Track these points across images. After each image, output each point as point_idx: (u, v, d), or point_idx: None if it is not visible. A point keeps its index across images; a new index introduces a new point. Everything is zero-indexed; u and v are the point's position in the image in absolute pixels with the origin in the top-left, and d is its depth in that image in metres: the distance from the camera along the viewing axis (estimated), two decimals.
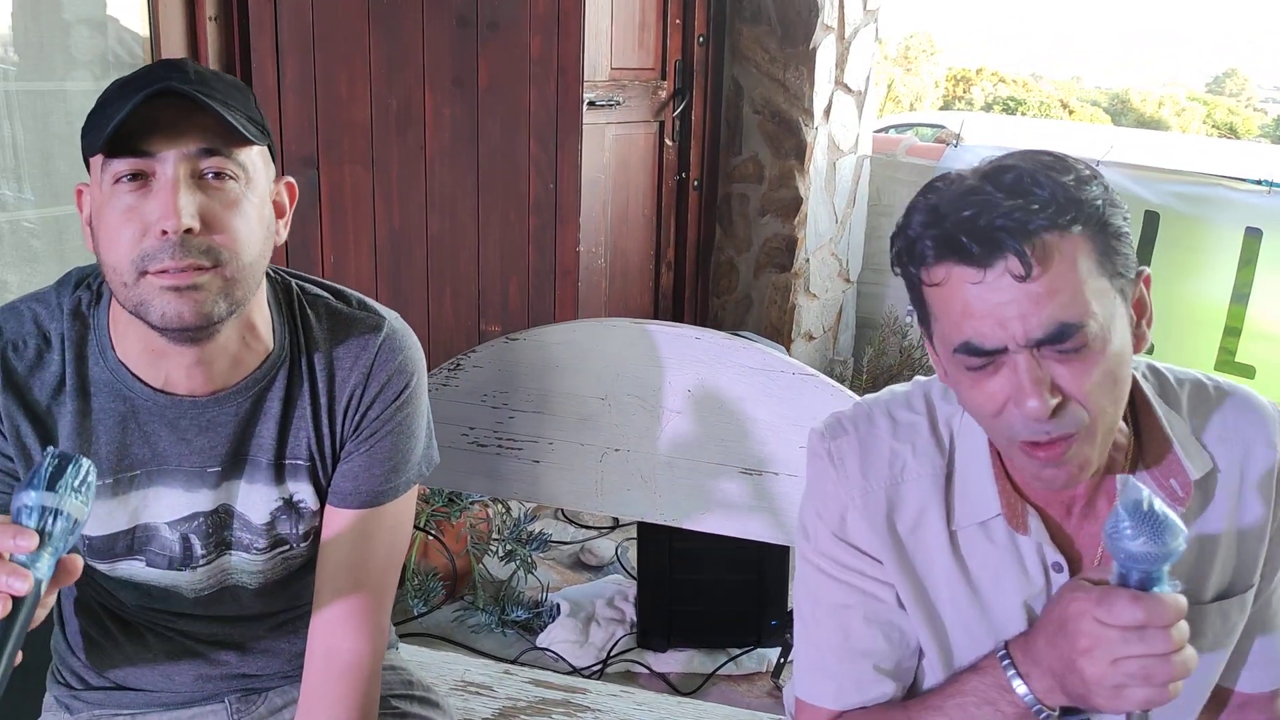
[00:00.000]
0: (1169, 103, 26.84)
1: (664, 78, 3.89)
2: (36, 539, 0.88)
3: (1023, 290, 0.92)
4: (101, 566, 1.24)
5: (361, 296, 1.30)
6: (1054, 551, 1.07)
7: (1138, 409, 1.08)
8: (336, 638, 1.24)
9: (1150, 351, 3.61)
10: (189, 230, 1.05)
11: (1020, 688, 1.00)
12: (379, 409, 1.24)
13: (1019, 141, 5.31)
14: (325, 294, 1.28)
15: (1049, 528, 1.08)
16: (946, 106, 23.08)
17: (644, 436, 1.74)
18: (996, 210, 0.92)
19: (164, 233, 1.04)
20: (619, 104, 3.66)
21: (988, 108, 23.17)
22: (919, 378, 1.18)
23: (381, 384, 1.24)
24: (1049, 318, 0.92)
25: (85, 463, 0.91)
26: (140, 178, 1.06)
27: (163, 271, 1.05)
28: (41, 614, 0.92)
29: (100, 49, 2.47)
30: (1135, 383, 1.08)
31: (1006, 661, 1.02)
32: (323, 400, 1.23)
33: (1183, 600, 0.90)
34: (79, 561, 0.93)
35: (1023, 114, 21.04)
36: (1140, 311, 1.01)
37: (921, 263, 0.97)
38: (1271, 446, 1.09)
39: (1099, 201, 0.95)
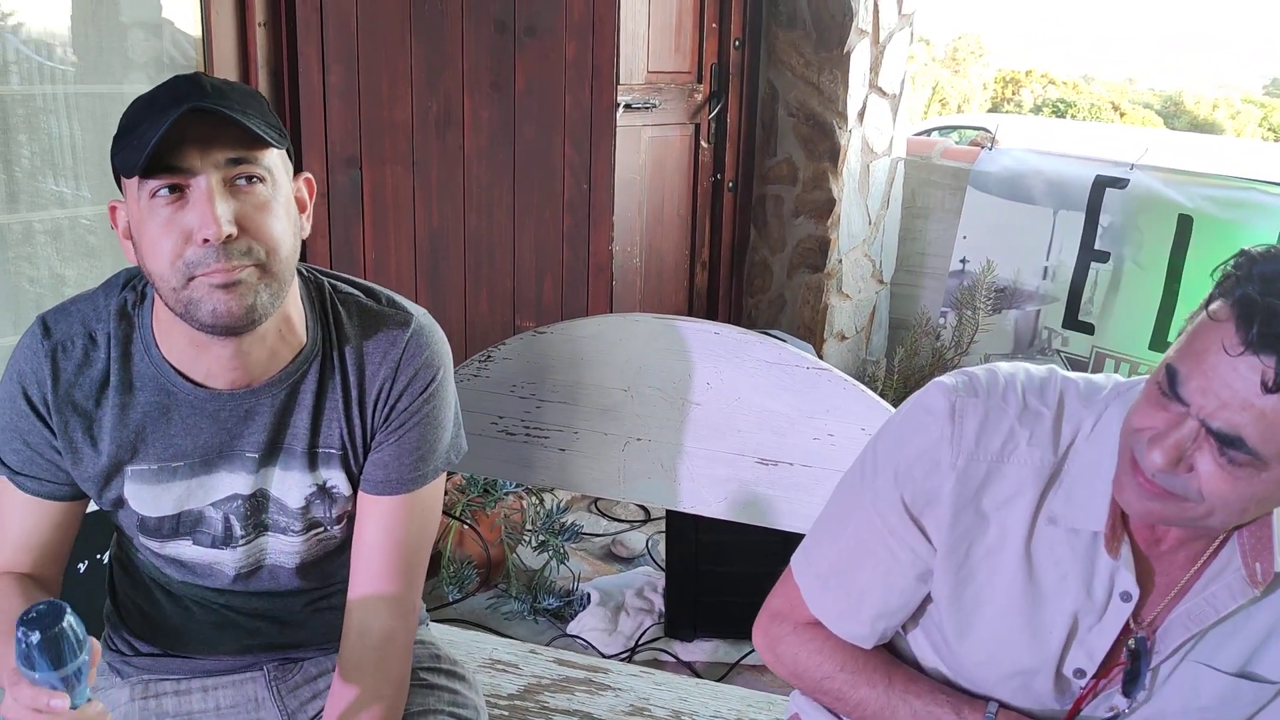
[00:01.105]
0: (1223, 105, 26.39)
1: (700, 81, 3.95)
2: (68, 698, 0.96)
3: (1252, 392, 0.91)
4: (152, 544, 1.33)
5: (390, 294, 1.36)
6: (1131, 581, 1.09)
7: None
8: (370, 616, 1.31)
9: None
10: (229, 236, 1.12)
11: None
12: (407, 401, 1.30)
13: (1064, 145, 5.27)
14: (356, 292, 1.35)
15: (1134, 556, 1.10)
16: (995, 108, 22.88)
17: (665, 427, 1.80)
18: None
19: (205, 240, 1.12)
20: (655, 106, 3.72)
21: (1037, 110, 22.93)
22: (1055, 368, 1.18)
23: (409, 378, 1.30)
24: (1238, 426, 0.92)
25: (67, 618, 0.94)
26: (176, 190, 1.12)
27: (210, 273, 1.13)
28: None
29: (156, 51, 2.55)
30: None
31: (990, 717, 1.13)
32: (354, 393, 1.30)
33: None
34: (97, 646, 1.00)
35: (1073, 116, 20.80)
36: None
37: (1223, 293, 0.95)
38: None
39: None
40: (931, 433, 1.13)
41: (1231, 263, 0.97)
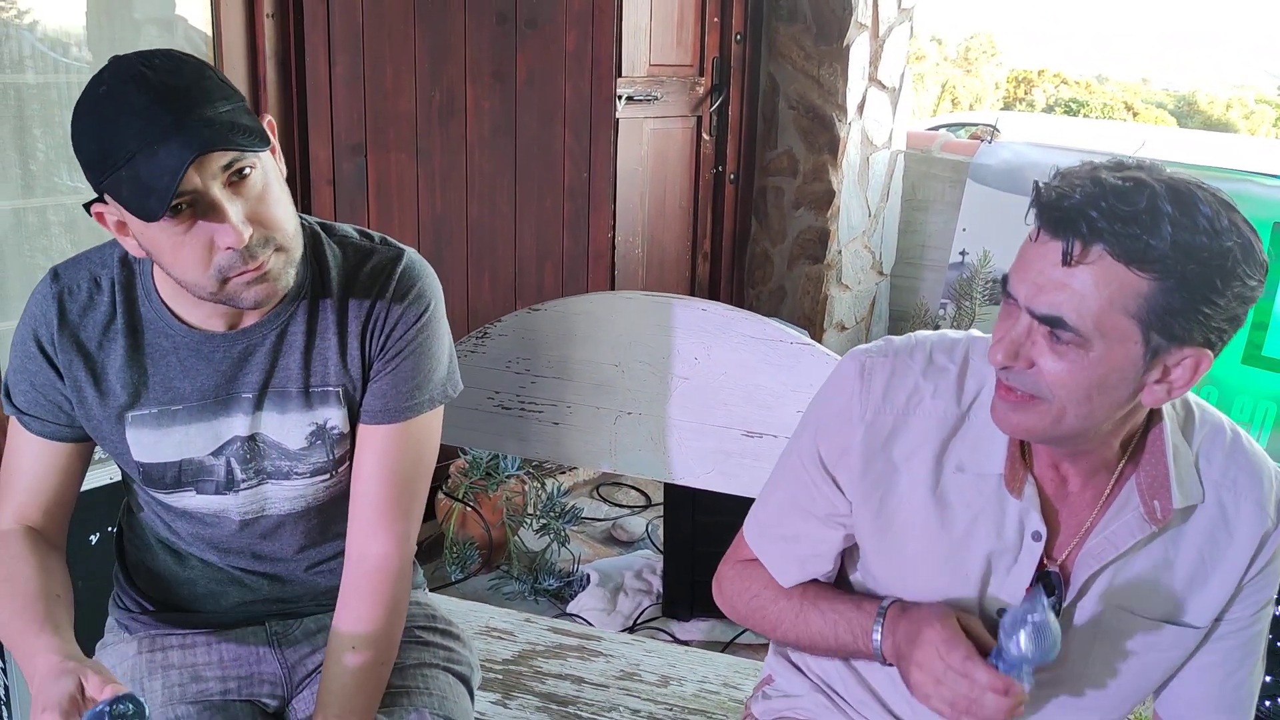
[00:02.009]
0: (1237, 105, 26.28)
1: (701, 74, 4.01)
2: None
3: (1054, 269, 1.00)
4: (159, 495, 1.39)
5: (384, 235, 1.44)
6: (1039, 521, 1.16)
7: (1150, 429, 1.15)
8: (368, 542, 1.39)
9: None
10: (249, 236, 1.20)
11: (876, 635, 1.19)
12: (401, 330, 1.37)
13: (1072, 141, 5.31)
14: (350, 233, 1.42)
15: (1040, 498, 1.17)
16: (1007, 108, 22.81)
17: (654, 401, 1.86)
18: (1089, 205, 0.98)
19: (229, 247, 1.19)
20: (657, 99, 3.78)
21: (1049, 109, 22.85)
22: (974, 330, 1.26)
23: (403, 308, 1.37)
24: (1055, 305, 1.01)
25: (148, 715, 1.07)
26: (183, 207, 1.17)
27: (242, 274, 1.21)
28: None
29: (168, 46, 2.62)
30: (1159, 410, 1.14)
31: (881, 614, 1.20)
32: (351, 325, 1.37)
33: (1009, 683, 1.06)
34: None
35: (1085, 115, 20.71)
36: (1163, 376, 1.05)
37: (1032, 201, 1.05)
38: (1262, 509, 1.16)
39: (1196, 268, 0.97)
40: (844, 391, 1.23)
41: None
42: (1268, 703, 2.88)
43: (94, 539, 2.11)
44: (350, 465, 1.42)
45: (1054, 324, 1.02)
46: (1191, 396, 1.21)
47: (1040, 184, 1.04)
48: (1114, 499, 1.16)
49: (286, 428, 1.37)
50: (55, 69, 2.45)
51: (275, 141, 1.28)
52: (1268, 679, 2.89)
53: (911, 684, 1.12)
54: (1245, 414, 3.62)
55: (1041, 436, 1.11)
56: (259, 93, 2.68)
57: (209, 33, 2.63)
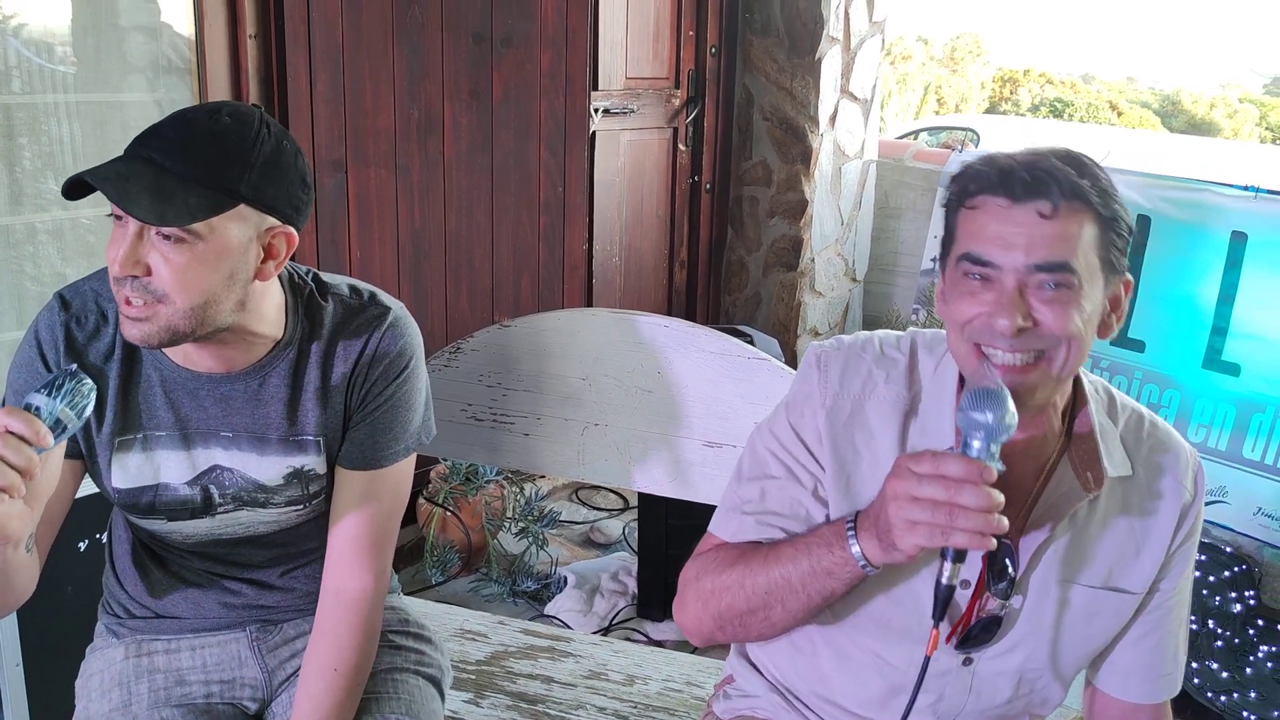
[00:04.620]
0: (1221, 105, 26.34)
1: (677, 86, 4.09)
2: (50, 438, 1.12)
3: (1038, 226, 1.12)
4: (132, 518, 1.47)
5: (374, 290, 1.51)
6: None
7: (1076, 409, 1.27)
8: (344, 577, 1.47)
9: (1142, 350, 3.71)
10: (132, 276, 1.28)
11: (854, 547, 1.17)
12: (381, 385, 1.46)
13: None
14: (342, 289, 1.50)
15: None
16: (992, 108, 22.83)
17: (620, 412, 1.94)
18: (1045, 165, 1.14)
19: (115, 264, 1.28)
20: (633, 111, 3.86)
21: (1034, 109, 22.86)
22: (911, 328, 1.36)
23: (385, 365, 1.45)
24: (1050, 253, 1.12)
25: (87, 384, 1.16)
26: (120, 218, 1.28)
27: (128, 306, 1.30)
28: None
29: (153, 55, 2.63)
30: (1083, 390, 1.28)
31: (851, 522, 1.19)
32: (333, 380, 1.45)
33: (982, 465, 1.07)
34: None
35: (1070, 116, 20.72)
36: (1114, 306, 1.21)
37: (965, 191, 1.17)
38: (1181, 484, 1.29)
39: (1115, 205, 1.17)
40: (808, 381, 1.32)
41: (952, 182, 1.21)
42: (1224, 698, 2.98)
43: (83, 546, 2.17)
44: (324, 497, 1.50)
45: (1054, 268, 1.13)
46: (1107, 385, 1.34)
47: (985, 170, 1.16)
48: (1052, 476, 1.26)
49: (264, 468, 1.45)
50: (41, 78, 2.47)
51: (282, 249, 1.35)
52: (1224, 675, 2.99)
53: (892, 525, 1.10)
54: (1205, 416, 3.71)
55: (1043, 396, 1.19)
56: None
57: (191, 36, 2.67)
